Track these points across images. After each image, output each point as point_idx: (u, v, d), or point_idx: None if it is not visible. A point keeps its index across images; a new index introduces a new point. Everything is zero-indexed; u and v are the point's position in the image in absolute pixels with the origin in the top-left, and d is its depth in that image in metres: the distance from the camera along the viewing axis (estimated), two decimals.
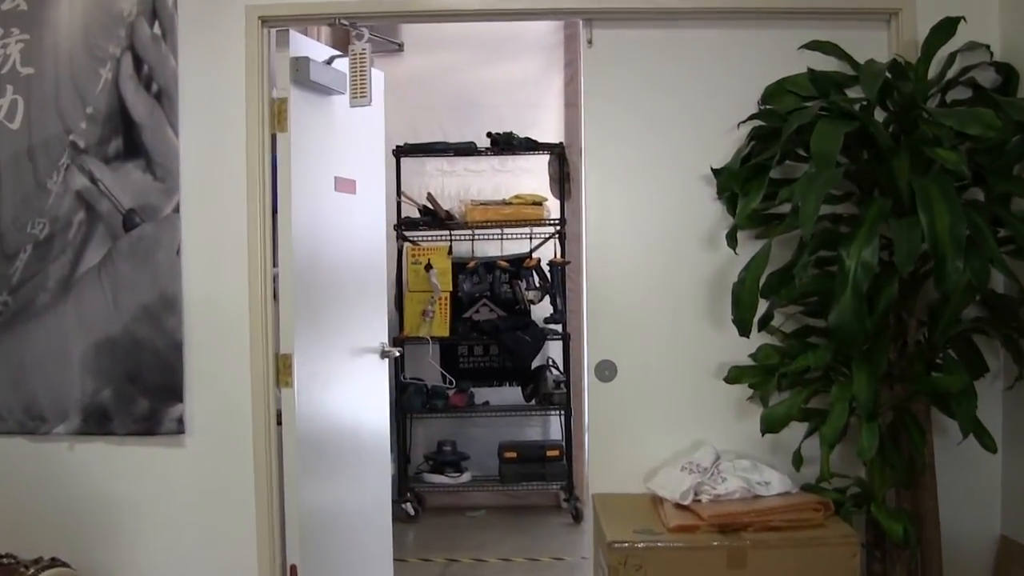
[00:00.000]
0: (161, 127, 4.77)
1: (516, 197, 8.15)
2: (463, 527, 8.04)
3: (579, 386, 7.46)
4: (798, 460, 4.47)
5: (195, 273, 4.82)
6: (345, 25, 4.81)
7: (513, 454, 8.14)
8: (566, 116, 8.27)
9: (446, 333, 8.08)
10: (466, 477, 8.22)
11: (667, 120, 4.79)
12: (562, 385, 8.06)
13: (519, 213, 8.06)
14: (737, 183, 4.49)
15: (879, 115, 4.30)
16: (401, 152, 8.08)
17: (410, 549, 7.43)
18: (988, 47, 4.50)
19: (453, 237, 8.23)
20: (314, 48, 5.12)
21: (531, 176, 8.33)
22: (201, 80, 4.80)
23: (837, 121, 4.06)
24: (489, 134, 8.06)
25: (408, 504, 8.04)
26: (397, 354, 6.09)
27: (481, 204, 8.17)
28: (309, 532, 4.95)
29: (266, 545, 4.84)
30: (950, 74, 4.42)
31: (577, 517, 7.88)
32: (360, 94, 4.89)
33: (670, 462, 4.68)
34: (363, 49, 4.85)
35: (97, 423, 4.85)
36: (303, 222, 4.94)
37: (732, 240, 4.49)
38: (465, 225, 8.12)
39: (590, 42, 4.80)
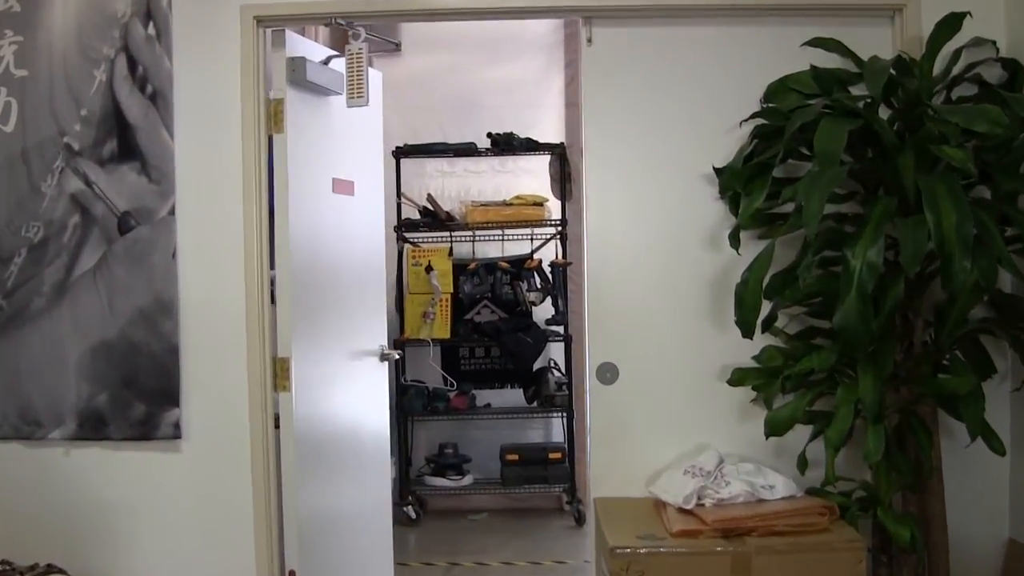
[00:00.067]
0: (156, 129, 4.74)
1: (517, 198, 8.11)
2: (465, 530, 8.01)
3: (581, 388, 7.42)
4: (803, 463, 4.43)
5: (191, 276, 4.79)
6: (342, 24, 4.78)
7: (515, 457, 8.10)
8: (567, 116, 8.23)
9: (447, 335, 8.05)
10: (468, 480, 8.18)
11: (668, 119, 4.75)
12: (564, 387, 8.03)
13: (520, 214, 8.03)
14: (740, 182, 4.46)
15: (883, 113, 4.27)
16: (401, 153, 8.05)
17: (411, 552, 7.40)
18: (994, 43, 4.46)
19: (454, 238, 8.18)
20: (311, 48, 5.08)
21: (532, 177, 8.30)
22: (196, 81, 4.77)
23: (841, 119, 4.03)
24: (489, 134, 8.02)
25: (409, 507, 8.01)
26: (397, 356, 6.05)
27: (482, 205, 8.13)
28: (308, 536, 4.91)
29: (264, 550, 4.81)
30: (955, 70, 4.39)
31: (580, 520, 7.84)
32: (357, 94, 4.84)
33: (673, 466, 4.63)
34: (360, 49, 4.81)
35: (93, 428, 4.81)
36: (300, 224, 4.90)
37: (735, 240, 4.44)
38: (466, 226, 8.09)
39: (590, 41, 4.76)
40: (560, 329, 8.02)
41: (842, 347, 4.11)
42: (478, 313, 8.28)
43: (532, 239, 8.14)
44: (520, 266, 8.08)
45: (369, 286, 5.73)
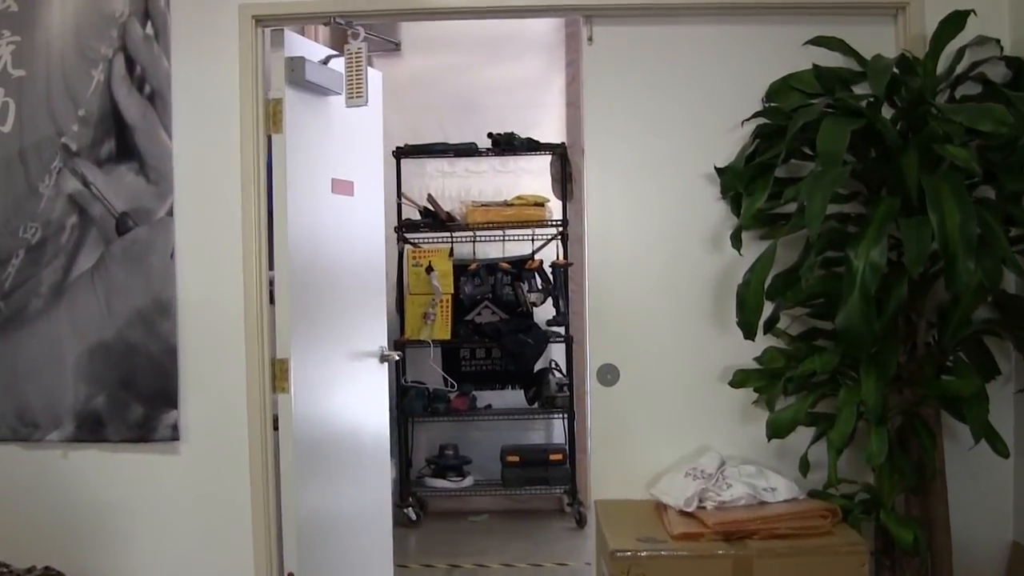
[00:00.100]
0: (154, 129, 4.72)
1: (518, 198, 8.10)
2: (465, 532, 8.00)
3: (582, 389, 7.41)
4: (805, 466, 4.41)
5: (189, 277, 4.77)
6: (341, 24, 4.76)
7: (516, 458, 8.08)
8: (568, 116, 8.21)
9: (448, 336, 8.03)
10: (468, 481, 8.17)
11: (669, 118, 4.73)
12: (565, 388, 8.01)
13: (521, 214, 8.01)
14: (741, 182, 4.44)
15: (886, 112, 4.24)
16: (401, 153, 8.05)
17: (412, 554, 7.39)
18: (998, 41, 4.44)
19: (454, 239, 8.17)
20: (310, 48, 5.06)
21: (533, 177, 8.29)
22: (195, 81, 4.75)
23: (843, 118, 4.00)
24: (490, 134, 8.01)
25: (410, 509, 8.00)
26: (397, 358, 6.03)
27: (482, 205, 8.12)
28: (307, 538, 4.90)
29: (263, 552, 4.79)
30: (959, 69, 4.36)
31: (580, 522, 7.83)
32: (356, 94, 4.81)
33: (674, 468, 4.61)
34: (359, 48, 4.78)
35: (91, 430, 4.79)
36: (299, 225, 4.88)
37: (736, 241, 4.43)
38: (466, 227, 8.08)
39: (590, 39, 4.74)
40: (561, 330, 8.01)
41: (845, 348, 4.09)
42: (479, 314, 8.25)
43: (533, 240, 8.12)
44: (521, 267, 8.06)
45: (369, 287, 5.71)
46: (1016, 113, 3.84)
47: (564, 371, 8.11)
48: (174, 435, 4.78)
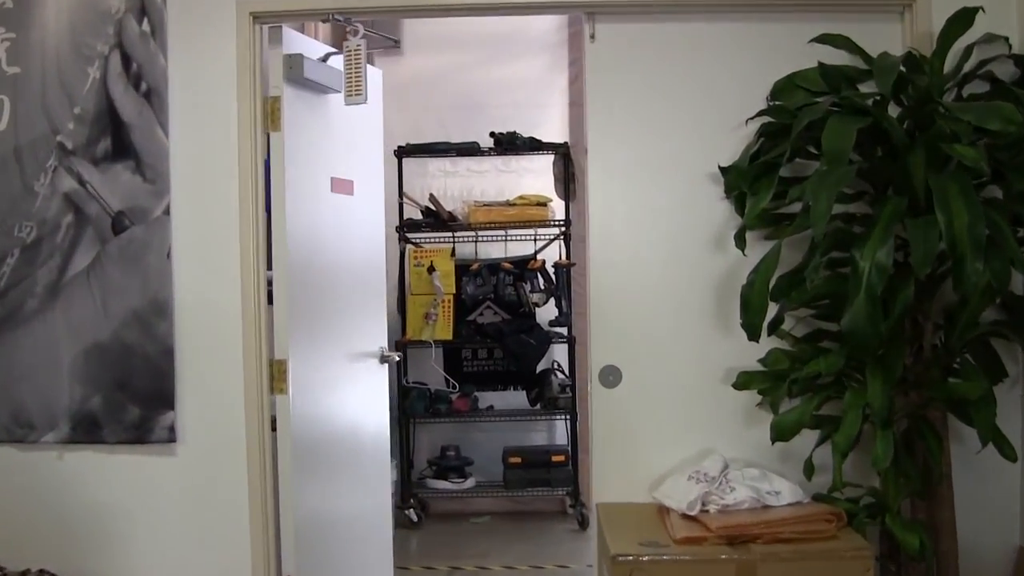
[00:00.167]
0: (151, 127, 4.68)
1: (520, 198, 8.08)
2: (467, 533, 7.99)
3: (585, 390, 7.35)
4: (809, 469, 4.37)
5: (186, 277, 4.73)
6: (340, 20, 4.73)
7: (518, 459, 8.07)
8: (570, 115, 8.18)
9: (449, 336, 8.02)
10: (470, 483, 8.15)
11: (673, 117, 4.69)
12: (567, 389, 8.01)
13: (523, 214, 8.00)
14: (745, 182, 4.40)
15: (893, 111, 4.20)
16: (403, 152, 8.03)
17: (413, 556, 7.38)
18: (1006, 39, 4.38)
19: (456, 239, 8.15)
20: (308, 45, 5.04)
21: (535, 176, 8.29)
22: (192, 78, 4.71)
23: (849, 117, 3.96)
24: (492, 134, 7.99)
25: (411, 510, 7.99)
26: (397, 358, 6.01)
27: (484, 205, 8.10)
28: (306, 540, 4.87)
29: (261, 555, 4.76)
30: (967, 67, 4.31)
31: (583, 523, 7.80)
32: (355, 92, 4.78)
33: (677, 471, 4.58)
34: (358, 45, 4.76)
35: (87, 431, 4.76)
36: (298, 224, 4.86)
37: (740, 241, 4.39)
38: (468, 226, 8.06)
39: (592, 37, 4.70)
40: (563, 331, 8.00)
41: (850, 350, 4.04)
42: (481, 314, 8.23)
43: (535, 240, 8.10)
44: (523, 267, 8.04)
45: (369, 287, 5.69)
46: None
47: (566, 372, 8.10)
48: (171, 437, 4.74)
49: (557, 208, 8.06)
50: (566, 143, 8.02)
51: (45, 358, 4.75)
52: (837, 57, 4.46)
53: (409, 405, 8.02)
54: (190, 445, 4.77)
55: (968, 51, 4.29)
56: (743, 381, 4.57)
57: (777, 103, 4.48)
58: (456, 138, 8.07)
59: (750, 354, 4.52)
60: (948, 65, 4.28)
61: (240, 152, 4.68)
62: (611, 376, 4.71)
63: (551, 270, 7.98)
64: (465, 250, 8.20)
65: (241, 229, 4.69)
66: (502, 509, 8.38)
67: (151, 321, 4.70)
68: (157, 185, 4.69)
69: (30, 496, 4.84)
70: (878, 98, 4.13)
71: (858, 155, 4.08)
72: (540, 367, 8.15)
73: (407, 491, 8.03)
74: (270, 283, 4.81)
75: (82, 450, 4.80)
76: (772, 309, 4.28)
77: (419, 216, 8.11)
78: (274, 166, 4.76)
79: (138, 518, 4.81)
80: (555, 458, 8.02)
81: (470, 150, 8.07)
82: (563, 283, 7.95)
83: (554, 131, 8.16)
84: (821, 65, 4.41)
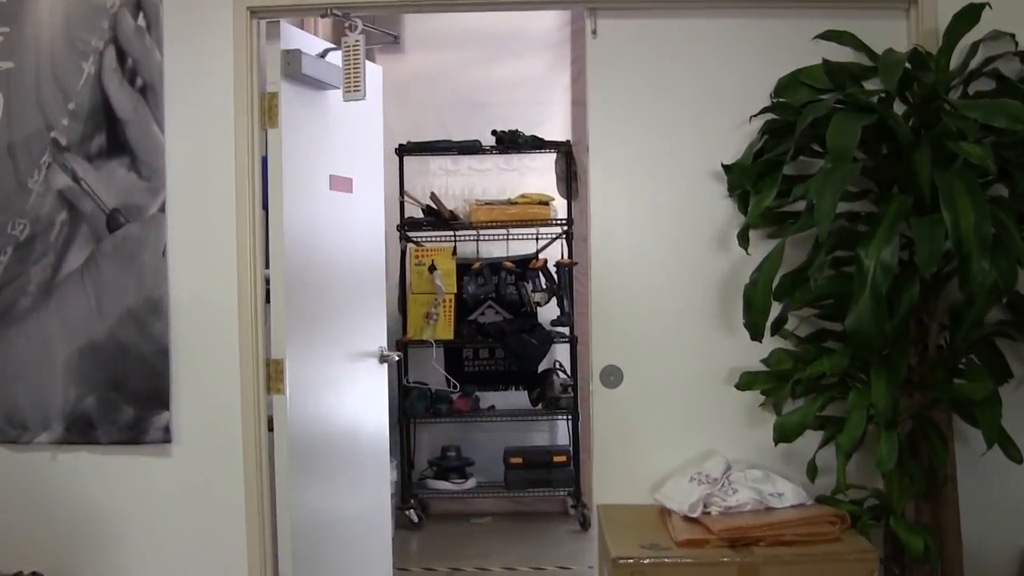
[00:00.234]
0: (146, 123, 4.64)
1: (522, 196, 8.07)
2: (468, 534, 7.98)
3: (587, 390, 7.34)
4: (813, 470, 4.33)
5: (182, 275, 4.69)
6: (338, 15, 4.69)
7: (519, 460, 8.05)
8: (573, 114, 8.17)
9: (450, 336, 8.00)
10: (471, 483, 8.14)
11: (675, 114, 4.66)
12: (569, 389, 8.00)
13: (525, 213, 7.99)
14: (749, 180, 4.36)
15: (898, 108, 4.16)
16: (404, 151, 8.02)
17: (413, 557, 7.38)
18: (1013, 36, 4.33)
19: (457, 238, 8.15)
20: (307, 41, 5.00)
21: (537, 175, 8.29)
22: (188, 74, 4.67)
23: (854, 114, 3.93)
24: (494, 132, 7.97)
25: (411, 511, 7.98)
26: (396, 358, 6.00)
27: (486, 204, 8.09)
28: (303, 542, 4.85)
29: (257, 556, 4.72)
30: (973, 64, 4.27)
31: (584, 524, 7.79)
32: (353, 88, 4.75)
33: (678, 472, 4.55)
34: (357, 41, 4.72)
35: (80, 432, 4.72)
36: (296, 222, 4.83)
37: (744, 240, 4.37)
38: (470, 225, 8.05)
39: (594, 33, 4.67)
40: (565, 330, 7.98)
41: (854, 350, 4.01)
42: (482, 314, 8.22)
43: (537, 239, 8.10)
44: (525, 266, 8.02)
45: (368, 286, 5.66)
46: None
47: (568, 372, 8.09)
48: (166, 437, 4.70)
49: (559, 207, 8.05)
50: (568, 141, 8.01)
51: (39, 357, 4.71)
52: (841, 54, 4.43)
53: (410, 405, 8.00)
54: (185, 446, 4.74)
55: (974, 48, 4.25)
56: (746, 381, 4.53)
57: (781, 100, 4.45)
58: (457, 136, 8.06)
59: (753, 354, 4.48)
60: (954, 62, 4.25)
61: (237, 149, 4.65)
62: (612, 376, 4.68)
63: (553, 269, 7.96)
64: (466, 249, 8.19)
65: (238, 227, 4.66)
66: (503, 510, 8.36)
67: (146, 320, 4.67)
68: (152, 182, 4.65)
69: (23, 497, 4.81)
70: (883, 95, 4.09)
71: (863, 153, 4.06)
72: (542, 367, 8.13)
73: (407, 492, 8.01)
74: (267, 282, 4.78)
75: (76, 451, 4.76)
76: (775, 309, 4.24)
77: (420, 215, 8.10)
78: (271, 163, 4.73)
79: (133, 519, 4.77)
80: (556, 458, 8.01)
81: (472, 148, 8.06)
82: (565, 282, 7.94)
83: (556, 130, 8.16)
84: (825, 62, 4.38)
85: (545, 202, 8.00)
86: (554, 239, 8.07)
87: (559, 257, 7.99)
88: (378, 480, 5.77)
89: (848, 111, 3.98)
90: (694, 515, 4.22)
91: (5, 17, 4.66)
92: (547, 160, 8.13)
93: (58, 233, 4.68)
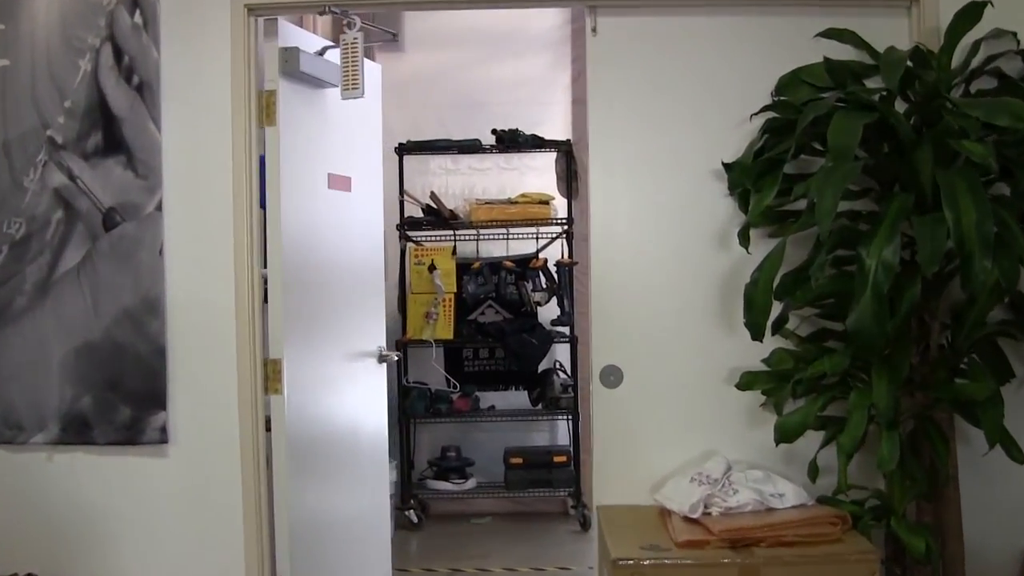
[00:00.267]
0: (143, 121, 4.62)
1: (522, 196, 8.05)
2: (468, 535, 7.96)
3: (587, 390, 7.34)
4: (814, 471, 4.31)
5: (179, 274, 4.67)
6: (336, 12, 4.68)
7: (519, 460, 8.03)
8: (573, 113, 8.16)
9: (450, 336, 7.98)
10: (471, 483, 8.12)
11: (676, 112, 4.64)
12: (570, 389, 7.98)
13: (525, 212, 7.97)
14: (749, 178, 4.35)
15: (899, 106, 4.14)
16: (404, 150, 8.00)
17: (413, 558, 7.36)
18: (1015, 34, 4.32)
19: (457, 237, 8.13)
20: (305, 38, 4.98)
21: (537, 174, 8.27)
22: (185, 72, 4.65)
23: (855, 112, 3.91)
24: (494, 131, 7.95)
25: (411, 511, 7.95)
26: (396, 358, 5.98)
27: (486, 203, 8.08)
28: (301, 543, 4.82)
29: (255, 558, 4.70)
30: (975, 63, 4.25)
31: (585, 524, 7.76)
32: (352, 86, 4.72)
33: (679, 473, 4.53)
34: (355, 38, 4.69)
35: (77, 432, 4.69)
36: (294, 221, 4.81)
37: (744, 239, 4.35)
38: (470, 225, 8.03)
39: (594, 30, 4.65)
40: (566, 330, 7.96)
41: (856, 350, 3.99)
42: (482, 313, 8.21)
43: (537, 238, 8.09)
44: (525, 265, 8.00)
45: (367, 285, 5.64)
46: None
47: (568, 372, 8.07)
48: (163, 437, 4.68)
49: (559, 206, 8.03)
50: (568, 140, 8.00)
51: (34, 357, 4.69)
52: (843, 52, 4.41)
53: (409, 405, 7.97)
54: (182, 446, 4.72)
55: (976, 46, 4.23)
56: (746, 381, 4.52)
57: (782, 98, 4.43)
58: (457, 135, 8.04)
59: (754, 354, 4.46)
60: (955, 61, 4.24)
61: (234, 147, 4.62)
62: (612, 376, 4.66)
63: (553, 269, 7.95)
64: (466, 249, 8.17)
65: (235, 226, 4.64)
66: (503, 510, 8.35)
67: (143, 319, 4.64)
68: (149, 180, 4.62)
69: (19, 498, 4.79)
70: (884, 93, 4.08)
71: (864, 151, 4.05)
72: (542, 367, 8.11)
73: (407, 492, 7.99)
74: (265, 281, 4.76)
75: (72, 451, 4.74)
76: (776, 308, 4.23)
77: (420, 214, 8.07)
78: (269, 161, 4.71)
79: (129, 521, 4.75)
80: (557, 459, 7.99)
81: (472, 147, 8.04)
82: (565, 282, 7.92)
83: (557, 129, 8.14)
84: (827, 60, 4.35)
85: (545, 201, 7.98)
86: (554, 238, 8.06)
87: (559, 256, 7.97)
88: (377, 480, 5.75)
89: (849, 109, 3.96)
90: (694, 516, 4.21)
91: (0, 14, 4.64)
92: (547, 159, 8.12)
93: (54, 232, 4.66)
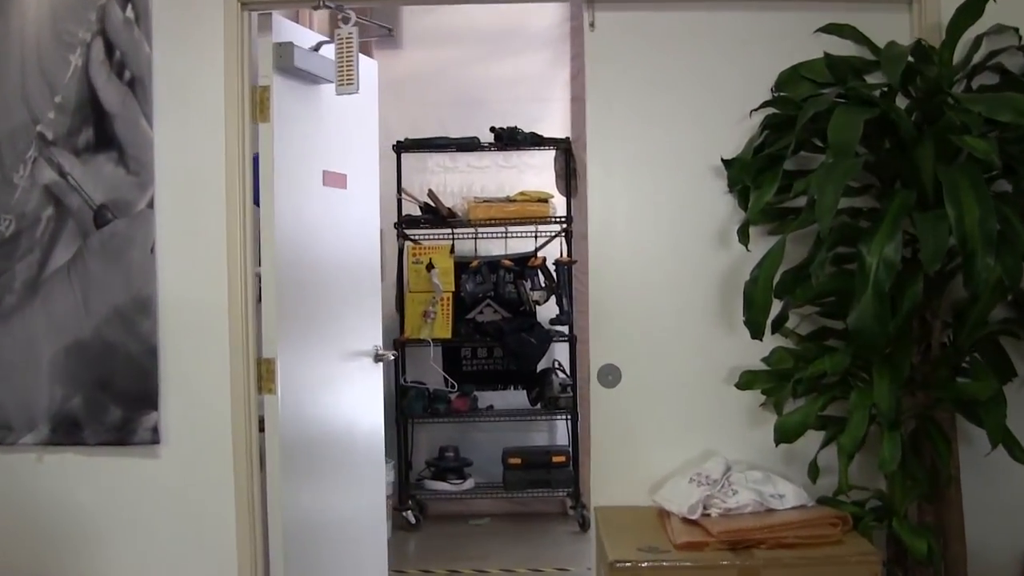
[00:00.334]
0: (134, 117, 4.58)
1: (521, 194, 8.03)
2: (466, 536, 7.95)
3: (586, 389, 7.33)
4: (814, 471, 4.27)
5: (171, 273, 4.64)
6: (330, 7, 4.66)
7: (518, 460, 8.02)
8: (572, 110, 8.13)
9: (448, 335, 7.98)
10: (469, 484, 8.11)
11: (675, 108, 4.61)
12: (568, 388, 7.97)
13: (524, 210, 7.95)
14: (749, 175, 4.31)
15: (901, 102, 4.11)
16: (402, 147, 7.99)
17: (410, 559, 7.34)
18: (1016, 30, 4.29)
19: (455, 235, 8.11)
20: (299, 34, 4.96)
21: (536, 173, 8.27)
22: (177, 67, 4.62)
23: (856, 108, 3.87)
24: (493, 129, 7.95)
25: (409, 512, 7.95)
26: (392, 357, 5.95)
27: (484, 201, 8.04)
28: (296, 544, 4.80)
29: (248, 560, 4.67)
30: (976, 58, 4.22)
31: (584, 525, 7.74)
32: (347, 81, 4.70)
33: (677, 473, 4.49)
34: (350, 33, 4.67)
35: (67, 432, 4.65)
36: (288, 218, 4.78)
37: (744, 236, 4.31)
38: (468, 223, 8.00)
39: (592, 25, 4.61)
40: (564, 329, 7.95)
41: (856, 349, 3.95)
42: (480, 312, 8.20)
43: (536, 236, 8.08)
44: (524, 264, 8.01)
45: (363, 283, 5.62)
46: None
47: (567, 371, 8.06)
48: (154, 438, 4.64)
49: (558, 205, 8.01)
50: (567, 138, 7.98)
51: (24, 357, 4.65)
52: (843, 47, 4.40)
53: (407, 405, 7.97)
54: (174, 447, 4.68)
55: (977, 42, 4.20)
56: (746, 381, 4.49)
57: (782, 94, 4.41)
58: (456, 133, 8.03)
59: (753, 353, 4.44)
60: (957, 56, 4.21)
61: (227, 143, 4.59)
62: (610, 376, 4.63)
63: (552, 268, 7.94)
64: (464, 247, 8.15)
65: (228, 223, 4.61)
66: (502, 511, 8.33)
67: (134, 318, 4.61)
68: (141, 177, 4.59)
69: (7, 500, 4.75)
70: (885, 89, 4.05)
71: (865, 148, 4.01)
72: (541, 366, 8.10)
73: (405, 492, 7.99)
74: (259, 279, 4.73)
75: (62, 452, 4.71)
76: (776, 306, 4.20)
77: (418, 212, 8.05)
78: (263, 158, 4.68)
79: (120, 523, 4.71)
80: (556, 459, 7.98)
81: (470, 145, 8.03)
82: (564, 281, 7.91)
83: (556, 127, 8.14)
84: (827, 55, 4.32)
85: (544, 200, 7.96)
86: (553, 237, 8.05)
87: (558, 255, 7.96)
88: (373, 481, 5.73)
89: (850, 105, 3.93)
90: (693, 517, 4.17)
91: None
92: (546, 157, 8.11)
93: (44, 229, 4.62)
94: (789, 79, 4.40)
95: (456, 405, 8.09)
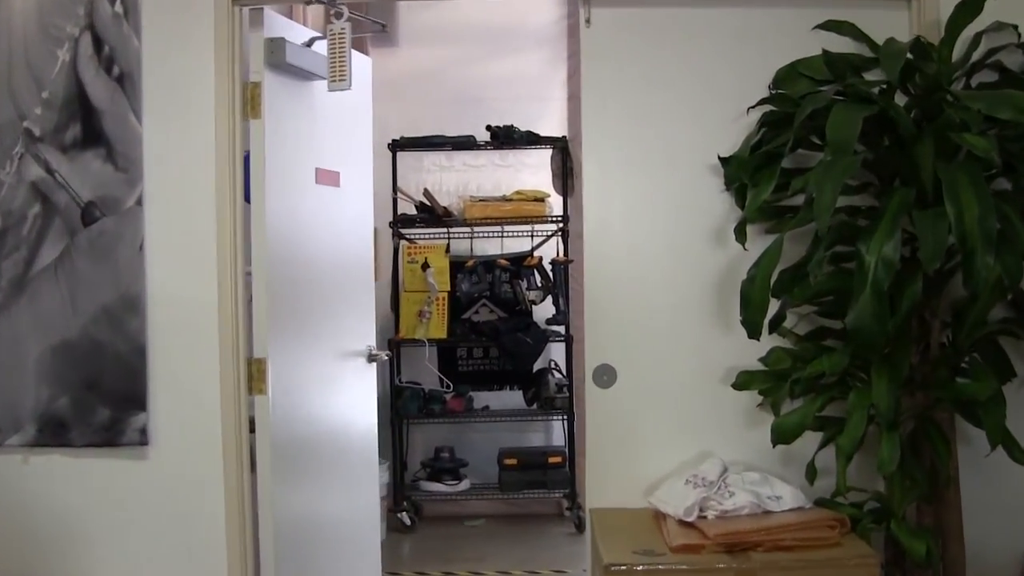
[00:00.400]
0: (123, 113, 4.53)
1: (517, 193, 8.02)
2: (461, 537, 7.94)
3: (582, 390, 7.33)
4: (812, 473, 4.26)
5: (160, 271, 4.60)
6: (323, 2, 4.61)
7: (513, 461, 8.02)
8: (569, 109, 8.16)
9: (444, 335, 7.94)
10: (465, 485, 8.11)
11: (671, 106, 4.58)
12: (565, 389, 7.96)
13: (520, 210, 7.93)
14: (746, 173, 4.28)
15: (899, 100, 4.08)
16: (397, 146, 7.99)
17: (405, 561, 7.34)
18: (1015, 27, 4.26)
19: (451, 235, 8.10)
20: (292, 29, 4.94)
21: (533, 172, 8.27)
22: (167, 62, 4.57)
23: (854, 105, 3.85)
24: (489, 127, 7.94)
25: (404, 513, 7.94)
26: (385, 357, 5.93)
27: (480, 200, 8.02)
28: (288, 547, 4.77)
29: (238, 563, 4.62)
30: (975, 56, 4.19)
31: (580, 526, 7.73)
32: (339, 77, 4.67)
33: (674, 475, 4.46)
34: (342, 29, 4.64)
35: (53, 433, 4.61)
36: (279, 216, 4.76)
37: (741, 235, 4.28)
38: (464, 222, 7.98)
39: (588, 21, 4.58)
40: (561, 329, 7.95)
41: (855, 349, 3.93)
42: (476, 312, 8.20)
43: (532, 236, 8.07)
44: (520, 264, 7.99)
45: (356, 282, 5.60)
46: None
47: (564, 371, 8.05)
48: (143, 439, 4.60)
49: (555, 204, 8.00)
50: (564, 137, 7.99)
51: (9, 356, 4.60)
52: (841, 44, 4.37)
53: (402, 405, 7.95)
54: (163, 448, 4.64)
55: (977, 39, 4.17)
56: (743, 381, 4.46)
57: (779, 91, 4.38)
58: (452, 132, 8.01)
59: (751, 353, 4.41)
60: (956, 54, 4.18)
61: (218, 140, 4.55)
62: (605, 376, 4.60)
63: (548, 267, 7.94)
64: (460, 246, 8.15)
65: (218, 221, 4.57)
66: (497, 512, 8.33)
67: (122, 317, 4.56)
68: (129, 174, 4.54)
69: None
70: (884, 86, 4.04)
71: (863, 145, 3.97)
72: (537, 366, 8.09)
73: (400, 494, 7.97)
74: (250, 277, 4.69)
75: (49, 453, 4.67)
76: (774, 306, 4.18)
77: (413, 211, 8.04)
78: (254, 155, 4.65)
79: (108, 525, 4.68)
80: (552, 459, 7.97)
81: (466, 144, 8.01)
82: (560, 280, 7.89)
83: (552, 125, 8.14)
84: (825, 52, 4.31)
85: (540, 199, 7.95)
86: (549, 236, 8.04)
87: (554, 255, 7.94)
88: (367, 482, 5.70)
89: (848, 102, 3.92)
90: (689, 519, 4.14)
91: None
92: (543, 156, 8.11)
93: (31, 227, 4.58)
94: (787, 76, 4.38)
95: (452, 405, 8.07)
